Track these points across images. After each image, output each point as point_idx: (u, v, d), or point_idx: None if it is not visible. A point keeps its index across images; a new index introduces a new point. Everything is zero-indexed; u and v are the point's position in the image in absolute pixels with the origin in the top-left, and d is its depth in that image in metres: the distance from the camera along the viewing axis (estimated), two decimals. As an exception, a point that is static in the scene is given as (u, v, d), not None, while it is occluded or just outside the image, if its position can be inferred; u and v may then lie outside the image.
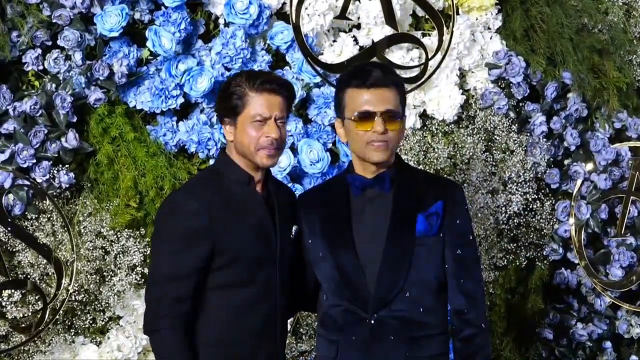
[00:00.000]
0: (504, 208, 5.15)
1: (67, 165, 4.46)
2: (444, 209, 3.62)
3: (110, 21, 4.44)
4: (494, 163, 5.15)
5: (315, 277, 3.73)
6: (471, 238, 3.72)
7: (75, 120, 4.45)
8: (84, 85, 4.45)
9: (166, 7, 4.56)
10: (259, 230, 3.53)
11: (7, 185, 4.37)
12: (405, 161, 4.69)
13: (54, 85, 4.43)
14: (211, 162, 4.55)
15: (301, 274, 3.78)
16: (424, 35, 5.12)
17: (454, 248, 3.64)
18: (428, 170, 4.87)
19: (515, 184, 5.17)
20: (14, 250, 4.43)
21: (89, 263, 4.50)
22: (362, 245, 3.59)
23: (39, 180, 4.41)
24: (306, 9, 4.80)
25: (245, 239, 3.48)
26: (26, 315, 4.41)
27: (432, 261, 3.62)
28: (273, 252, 3.56)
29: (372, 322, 3.57)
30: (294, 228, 3.69)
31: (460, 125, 5.13)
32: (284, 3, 4.80)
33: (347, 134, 3.61)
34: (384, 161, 3.59)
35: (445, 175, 4.97)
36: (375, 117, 3.52)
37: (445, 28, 5.03)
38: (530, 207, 5.23)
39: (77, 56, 4.43)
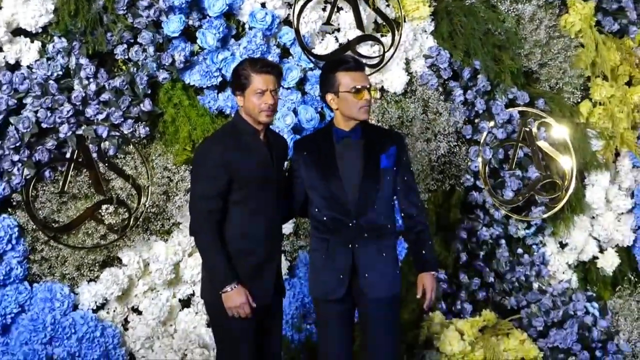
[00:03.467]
0: (434, 151, 5.19)
1: (144, 122, 4.52)
2: (397, 151, 3.75)
3: (172, 26, 4.49)
4: (428, 121, 5.19)
5: (303, 196, 3.79)
6: (411, 169, 3.90)
7: (149, 92, 4.50)
8: (155, 69, 4.48)
9: (210, 16, 4.62)
10: (261, 164, 3.60)
11: (104, 135, 4.44)
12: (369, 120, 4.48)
13: (135, 69, 4.46)
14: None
15: (292, 194, 3.83)
16: (382, 35, 5.13)
17: (403, 175, 3.79)
18: (383, 126, 4.94)
19: (442, 135, 5.22)
20: (109, 178, 4.50)
21: (159, 187, 4.56)
22: (345, 176, 3.69)
23: (125, 132, 4.48)
24: (304, 17, 4.85)
25: (251, 169, 3.57)
26: (117, 222, 4.49)
27: (390, 185, 3.74)
28: (272, 177, 3.63)
29: (354, 226, 3.70)
30: (286, 163, 3.80)
31: (406, 96, 5.18)
32: (289, 14, 4.84)
33: (341, 103, 3.65)
34: (367, 118, 3.69)
35: (395, 129, 5.01)
36: (365, 90, 3.65)
37: (396, 31, 5.06)
38: (452, 150, 5.28)
39: (151, 49, 4.47)
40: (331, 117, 3.81)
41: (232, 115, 4.33)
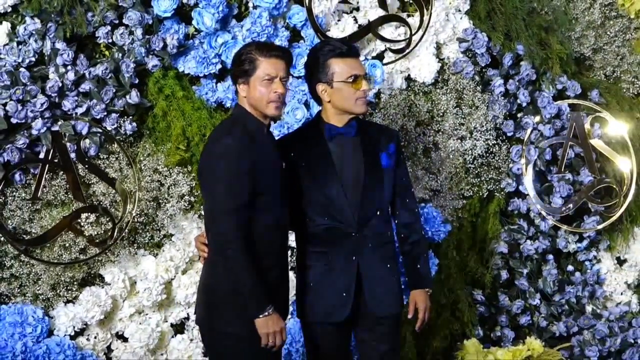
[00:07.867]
0: (470, 151, 5.13)
1: (130, 117, 4.45)
2: (396, 149, 3.77)
3: (164, 4, 4.41)
4: (462, 116, 5.11)
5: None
6: (407, 169, 3.95)
7: (137, 81, 4.44)
8: (143, 55, 4.42)
9: (207, -7, 4.56)
10: (276, 166, 3.54)
11: (84, 132, 4.37)
12: (392, 115, 4.83)
13: (120, 55, 4.40)
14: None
15: None
16: (408, 16, 5.05)
17: (401, 176, 3.80)
18: (410, 122, 4.96)
19: (479, 132, 5.14)
20: (90, 182, 4.44)
21: (147, 193, 4.50)
22: (343, 177, 3.66)
23: (109, 128, 4.41)
24: (317, -5, 4.75)
25: (271, 170, 3.50)
26: (99, 233, 4.43)
27: (390, 188, 3.75)
28: (285, 180, 3.57)
29: (357, 235, 3.66)
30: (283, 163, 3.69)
31: (437, 87, 5.09)
32: (300, -10, 4.74)
33: (335, 95, 3.64)
34: (366, 112, 3.76)
35: (425, 125, 5.02)
36: (363, 79, 3.65)
37: (425, 10, 4.98)
38: (491, 150, 5.20)
39: (139, 32, 4.40)
40: (318, 111, 3.80)
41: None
